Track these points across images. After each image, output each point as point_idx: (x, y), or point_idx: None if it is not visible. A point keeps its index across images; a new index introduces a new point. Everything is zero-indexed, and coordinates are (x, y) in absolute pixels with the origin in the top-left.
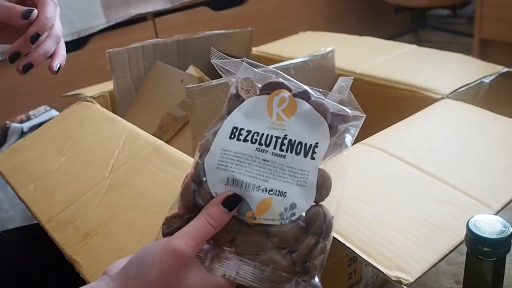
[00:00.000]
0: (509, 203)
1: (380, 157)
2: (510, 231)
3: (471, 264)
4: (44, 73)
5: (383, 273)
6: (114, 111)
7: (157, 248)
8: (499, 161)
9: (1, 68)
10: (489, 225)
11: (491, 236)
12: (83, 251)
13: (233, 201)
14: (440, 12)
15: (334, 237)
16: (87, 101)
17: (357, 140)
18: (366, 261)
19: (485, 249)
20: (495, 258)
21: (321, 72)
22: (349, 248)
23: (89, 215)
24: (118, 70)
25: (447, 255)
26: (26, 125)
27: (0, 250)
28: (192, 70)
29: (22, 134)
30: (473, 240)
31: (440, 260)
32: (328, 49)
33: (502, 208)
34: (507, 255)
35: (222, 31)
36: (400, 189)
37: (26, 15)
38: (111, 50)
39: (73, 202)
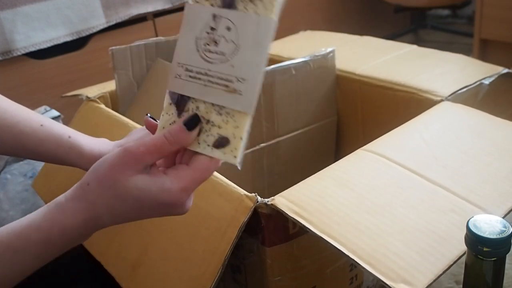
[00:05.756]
0: (511, 210)
1: (382, 164)
2: (510, 231)
3: (471, 264)
4: (44, 73)
5: (388, 286)
6: (115, 111)
7: (112, 152)
8: (501, 167)
9: (1, 68)
10: (489, 225)
11: (491, 236)
12: (135, 284)
13: (192, 120)
14: (440, 12)
15: (337, 248)
16: (92, 101)
17: (357, 144)
18: (371, 273)
19: (485, 249)
20: (495, 258)
21: (322, 72)
22: (353, 260)
23: (128, 242)
24: (120, 68)
25: (451, 265)
26: None
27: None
28: None
29: None
30: (473, 240)
31: (444, 271)
32: (329, 50)
33: (505, 216)
34: (507, 255)
35: None
36: (402, 198)
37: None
38: (113, 47)
39: (112, 230)
